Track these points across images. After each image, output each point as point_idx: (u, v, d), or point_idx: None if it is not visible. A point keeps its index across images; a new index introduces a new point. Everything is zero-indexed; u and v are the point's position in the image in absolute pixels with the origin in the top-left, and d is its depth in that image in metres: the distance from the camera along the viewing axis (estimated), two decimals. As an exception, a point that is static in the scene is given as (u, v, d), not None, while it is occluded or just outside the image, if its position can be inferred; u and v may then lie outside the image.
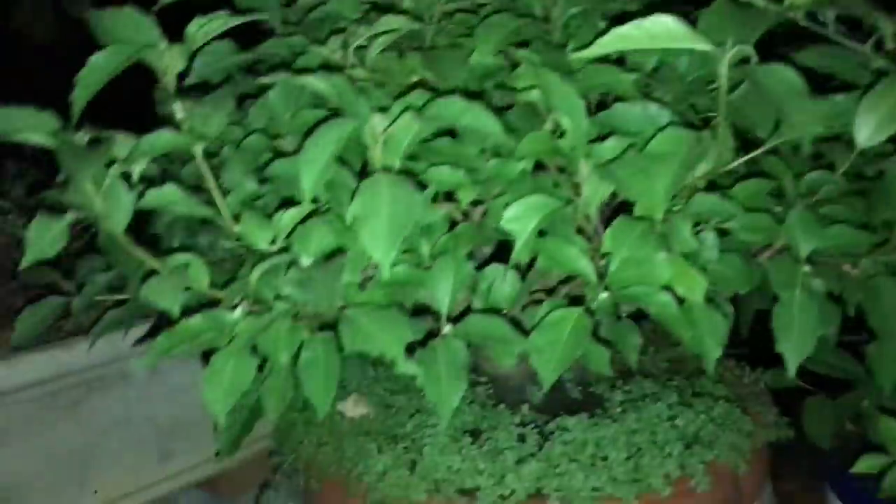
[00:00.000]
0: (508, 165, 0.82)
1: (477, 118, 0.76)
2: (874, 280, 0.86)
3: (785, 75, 0.74)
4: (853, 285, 0.88)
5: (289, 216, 0.77)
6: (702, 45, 0.70)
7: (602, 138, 0.78)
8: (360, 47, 0.87)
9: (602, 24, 0.89)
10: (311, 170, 0.68)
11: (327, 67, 0.86)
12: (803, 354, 0.82)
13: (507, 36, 0.86)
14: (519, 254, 0.77)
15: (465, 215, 0.88)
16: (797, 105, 0.73)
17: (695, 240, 0.76)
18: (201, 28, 0.76)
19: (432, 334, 0.80)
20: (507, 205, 0.79)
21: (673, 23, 0.69)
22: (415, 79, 0.88)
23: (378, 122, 0.72)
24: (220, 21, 0.76)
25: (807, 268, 0.84)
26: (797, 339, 0.82)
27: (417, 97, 0.78)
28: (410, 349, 0.77)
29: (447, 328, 0.80)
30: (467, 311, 0.83)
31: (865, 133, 0.71)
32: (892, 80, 0.72)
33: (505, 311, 0.85)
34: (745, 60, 0.72)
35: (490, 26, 0.86)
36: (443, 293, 0.80)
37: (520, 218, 0.76)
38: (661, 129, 0.74)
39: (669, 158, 0.71)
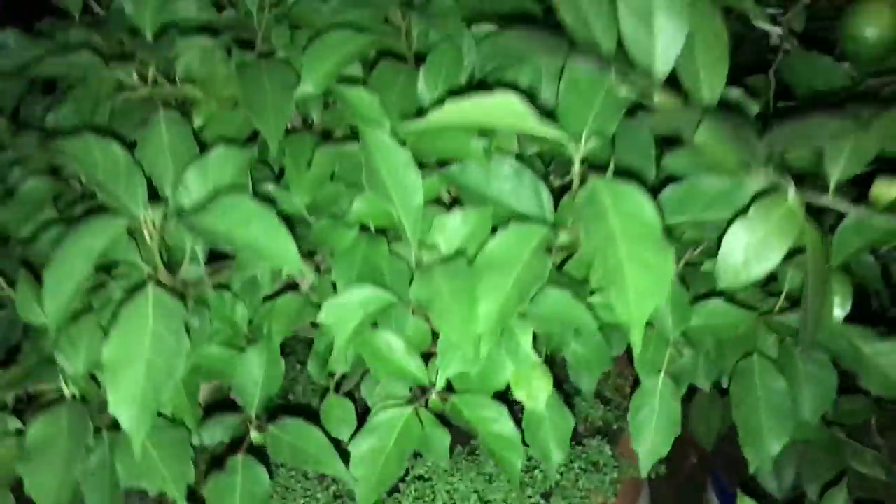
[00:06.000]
0: (338, 231, 0.71)
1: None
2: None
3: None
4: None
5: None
6: (551, 132, 0.60)
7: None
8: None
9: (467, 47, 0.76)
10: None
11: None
12: (658, 456, 0.74)
13: (340, 62, 0.72)
14: (337, 357, 0.66)
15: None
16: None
17: (534, 353, 0.66)
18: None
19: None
20: (334, 285, 0.69)
21: (519, 104, 0.58)
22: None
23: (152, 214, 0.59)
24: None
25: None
26: (654, 440, 0.74)
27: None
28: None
29: (254, 434, 0.69)
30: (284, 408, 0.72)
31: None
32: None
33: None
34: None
35: (322, 47, 0.72)
36: (250, 390, 0.69)
37: (340, 315, 0.65)
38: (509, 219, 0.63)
39: (506, 270, 0.59)
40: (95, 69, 0.70)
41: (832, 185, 0.56)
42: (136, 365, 0.54)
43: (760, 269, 0.55)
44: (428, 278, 0.61)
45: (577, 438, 1.03)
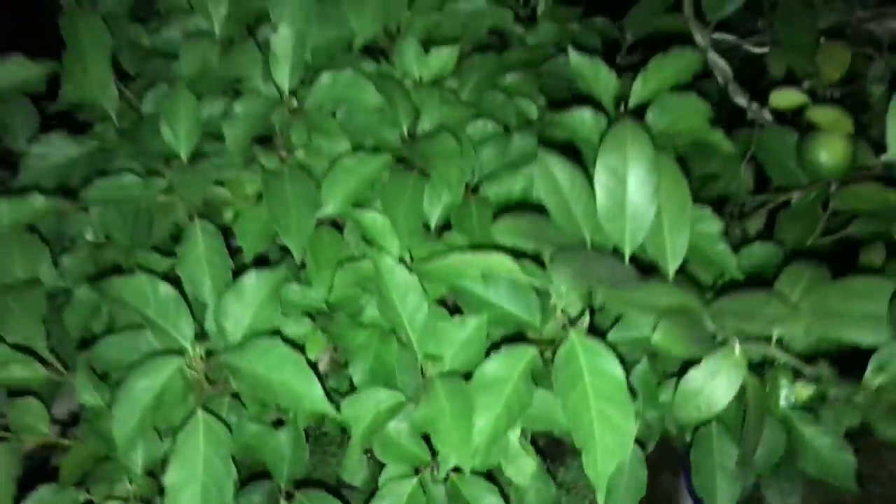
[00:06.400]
0: (353, 330, 0.82)
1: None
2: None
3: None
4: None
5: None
6: (538, 283, 0.70)
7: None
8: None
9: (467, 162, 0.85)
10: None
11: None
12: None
13: (357, 186, 0.81)
14: (354, 448, 0.78)
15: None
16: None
17: (521, 447, 0.78)
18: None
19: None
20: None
21: (510, 263, 0.68)
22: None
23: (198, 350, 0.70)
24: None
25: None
26: (623, 500, 0.87)
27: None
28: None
29: (283, 503, 0.82)
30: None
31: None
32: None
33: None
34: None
35: (341, 173, 0.81)
36: (279, 466, 0.81)
37: (356, 412, 0.77)
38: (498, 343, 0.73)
39: (497, 391, 0.71)
40: (138, 190, 0.79)
41: (773, 340, 0.67)
42: (192, 487, 0.66)
43: (711, 411, 0.67)
44: (434, 397, 0.72)
45: (561, 459, 1.16)
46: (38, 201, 0.75)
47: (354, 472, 0.92)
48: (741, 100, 1.02)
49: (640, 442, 0.90)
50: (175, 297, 0.71)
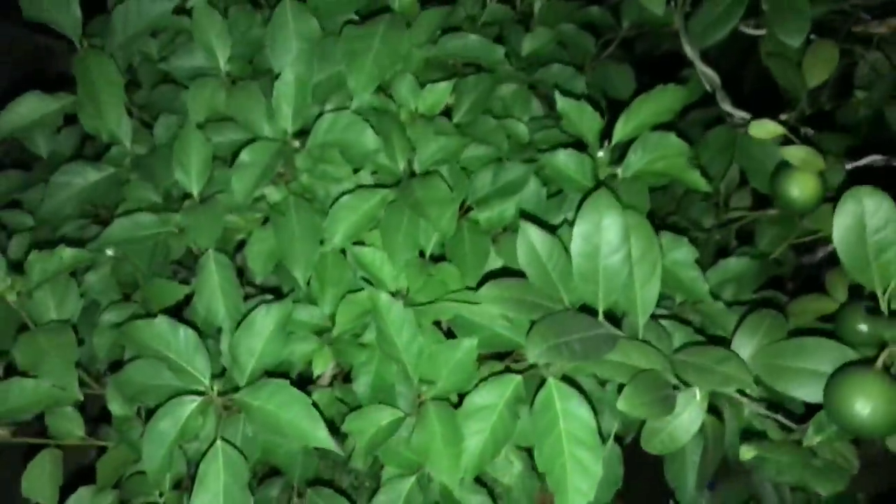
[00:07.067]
0: (355, 348, 0.90)
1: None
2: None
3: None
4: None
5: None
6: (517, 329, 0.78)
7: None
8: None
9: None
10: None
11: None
12: (602, 505, 0.97)
13: (358, 221, 0.87)
14: (357, 458, 0.87)
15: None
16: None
17: (507, 459, 0.86)
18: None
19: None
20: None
21: (495, 310, 0.76)
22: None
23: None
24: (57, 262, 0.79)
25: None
26: (599, 492, 0.96)
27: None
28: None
29: (296, 500, 0.92)
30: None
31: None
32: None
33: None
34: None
35: (343, 209, 0.88)
36: (293, 469, 0.90)
37: (361, 427, 0.85)
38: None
39: (484, 417, 0.79)
40: (155, 228, 0.86)
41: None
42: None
43: (675, 446, 0.75)
44: (427, 423, 0.80)
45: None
46: (65, 253, 0.81)
47: (360, 460, 1.02)
48: (728, 107, 1.06)
49: (618, 438, 0.99)
50: (194, 339, 0.79)
